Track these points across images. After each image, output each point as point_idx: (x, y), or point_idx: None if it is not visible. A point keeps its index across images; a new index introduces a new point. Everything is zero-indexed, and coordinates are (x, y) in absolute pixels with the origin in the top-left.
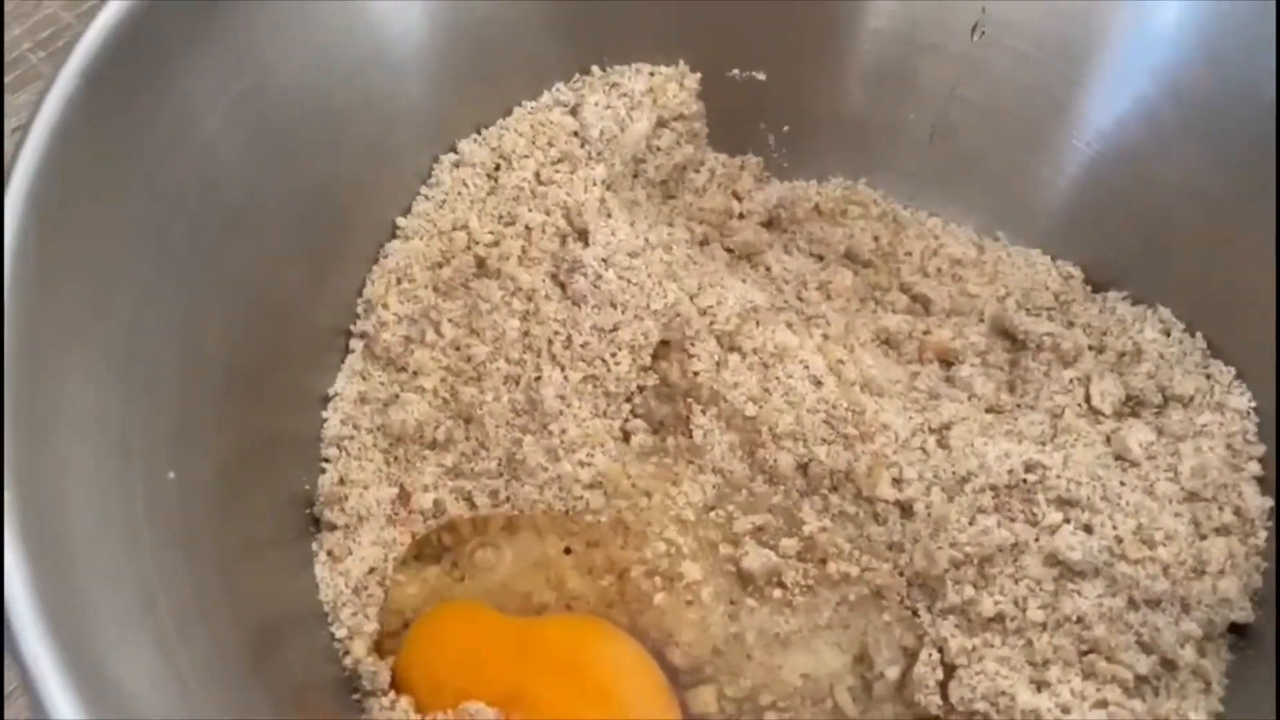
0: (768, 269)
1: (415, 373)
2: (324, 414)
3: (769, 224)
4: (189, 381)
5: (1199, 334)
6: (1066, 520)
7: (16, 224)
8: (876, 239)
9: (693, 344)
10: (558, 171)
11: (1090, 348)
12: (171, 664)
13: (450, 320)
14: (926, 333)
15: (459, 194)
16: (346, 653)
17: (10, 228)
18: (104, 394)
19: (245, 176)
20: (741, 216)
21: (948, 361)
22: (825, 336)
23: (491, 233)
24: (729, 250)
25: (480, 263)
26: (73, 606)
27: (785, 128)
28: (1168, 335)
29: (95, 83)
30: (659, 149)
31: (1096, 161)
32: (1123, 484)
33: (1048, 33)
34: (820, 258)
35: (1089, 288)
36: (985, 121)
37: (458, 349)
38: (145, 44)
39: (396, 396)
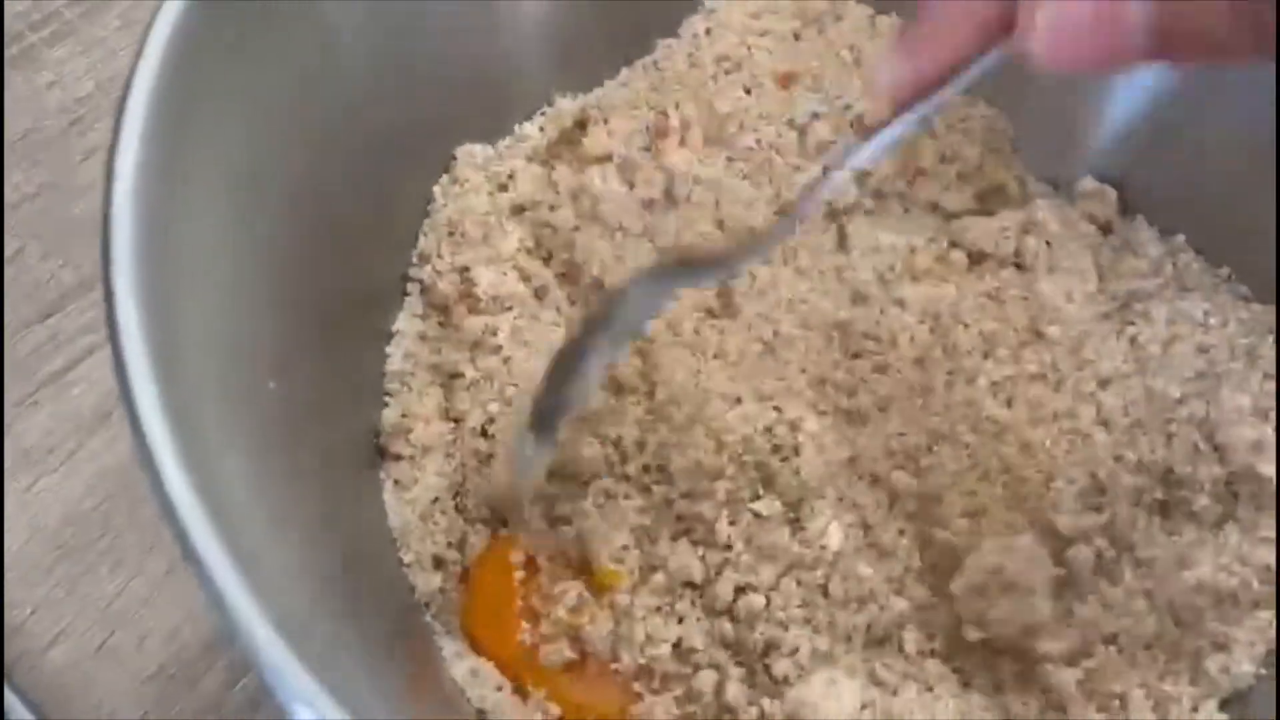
0: None
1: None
2: (387, 349)
3: None
4: (279, 303)
5: None
6: None
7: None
8: None
9: None
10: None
11: None
12: (307, 568)
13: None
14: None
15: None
16: (416, 577)
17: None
18: (214, 303)
19: (341, 102)
20: None
21: None
22: None
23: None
24: None
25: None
26: (222, 501)
27: None
28: None
29: None
30: None
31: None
32: None
33: None
34: None
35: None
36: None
37: None
38: None
39: (449, 339)
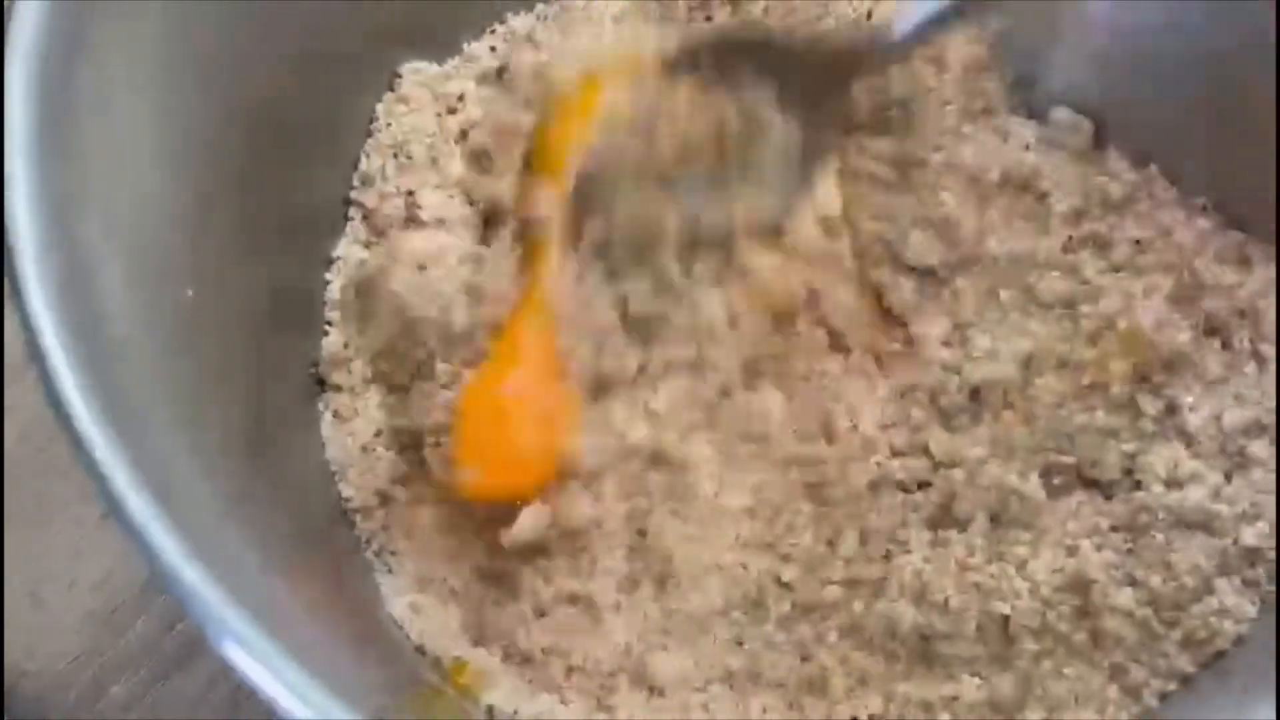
0: None
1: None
2: (327, 275)
3: None
4: (200, 209)
5: None
6: None
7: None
8: None
9: None
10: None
11: None
12: (235, 499)
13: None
14: None
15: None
16: (357, 512)
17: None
18: (124, 202)
19: None
20: None
21: None
22: None
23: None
24: None
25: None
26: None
27: None
28: None
29: None
30: None
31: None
32: None
33: None
34: None
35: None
36: None
37: None
38: None
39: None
